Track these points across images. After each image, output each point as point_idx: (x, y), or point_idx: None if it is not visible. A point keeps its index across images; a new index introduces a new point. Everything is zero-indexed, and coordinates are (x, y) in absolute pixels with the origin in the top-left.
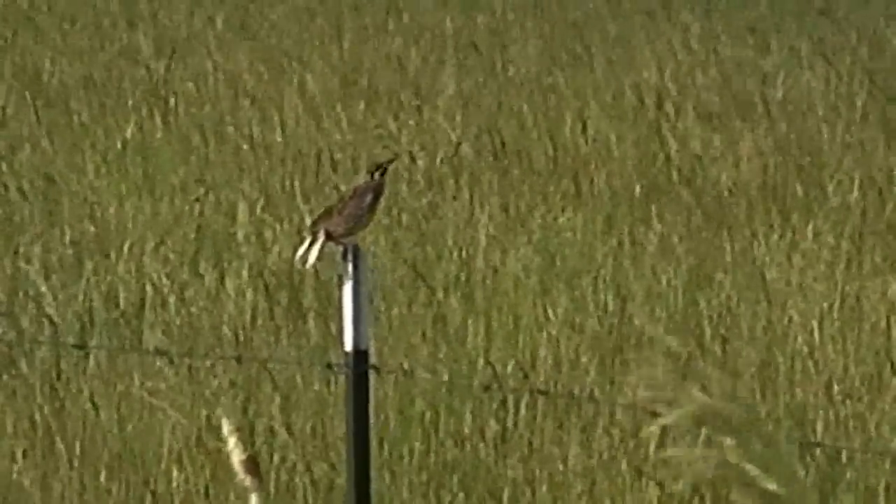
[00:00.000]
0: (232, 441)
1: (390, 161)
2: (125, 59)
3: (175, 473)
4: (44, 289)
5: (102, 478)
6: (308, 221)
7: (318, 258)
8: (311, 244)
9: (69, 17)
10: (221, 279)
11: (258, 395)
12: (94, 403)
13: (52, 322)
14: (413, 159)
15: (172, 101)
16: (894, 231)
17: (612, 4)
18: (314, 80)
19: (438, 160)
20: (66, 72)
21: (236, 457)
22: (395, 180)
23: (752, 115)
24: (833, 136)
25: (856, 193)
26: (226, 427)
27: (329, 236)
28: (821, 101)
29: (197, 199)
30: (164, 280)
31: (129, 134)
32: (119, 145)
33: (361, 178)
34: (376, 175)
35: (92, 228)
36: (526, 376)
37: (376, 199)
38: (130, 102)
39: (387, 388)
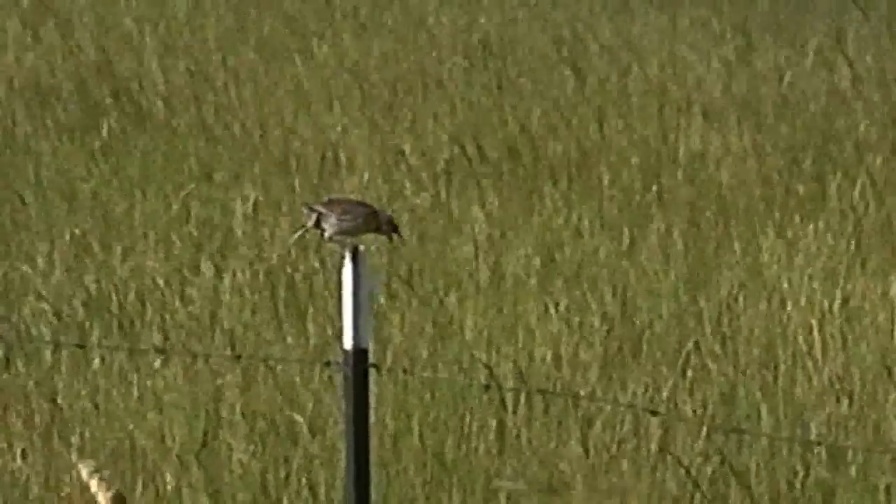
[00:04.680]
0: (94, 483)
1: (397, 233)
2: (122, 56)
3: (175, 473)
4: (46, 288)
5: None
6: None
7: (299, 239)
8: (301, 225)
9: (64, 15)
10: (221, 277)
11: (258, 394)
12: (94, 402)
13: (52, 321)
14: (403, 154)
15: (172, 98)
16: (894, 230)
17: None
18: (315, 78)
19: (440, 158)
20: (64, 70)
21: (102, 497)
22: (396, 179)
23: (753, 113)
24: (835, 134)
25: (857, 193)
26: (84, 471)
27: (318, 223)
28: (823, 99)
29: (188, 194)
30: (164, 278)
31: (126, 132)
32: (116, 144)
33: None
34: (387, 226)
35: (92, 227)
36: (525, 375)
37: (372, 221)
38: (129, 100)
39: (386, 386)
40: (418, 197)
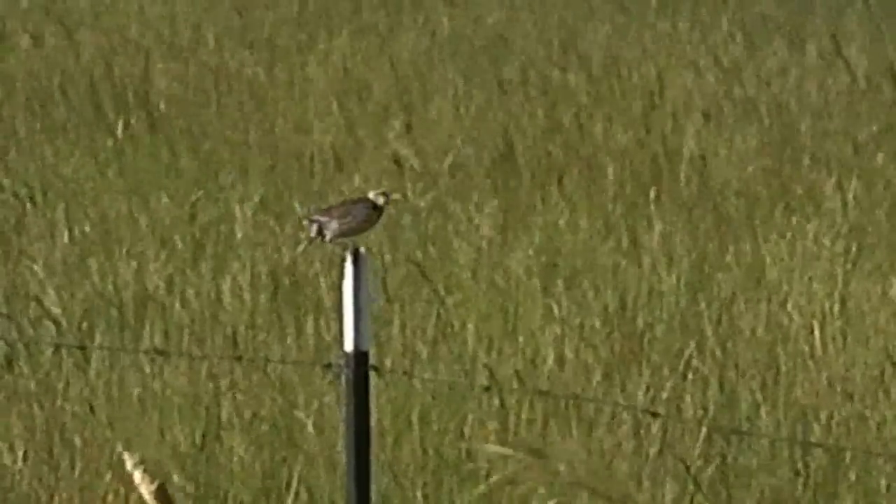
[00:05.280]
0: (138, 474)
1: (396, 196)
2: (123, 56)
3: (176, 474)
4: (47, 289)
5: (107, 478)
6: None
7: (304, 249)
8: (305, 237)
9: (64, 16)
10: (223, 278)
11: (259, 396)
12: (95, 404)
13: (53, 322)
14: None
15: (174, 100)
16: (894, 231)
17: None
18: (316, 80)
19: (441, 160)
20: (65, 71)
21: (145, 489)
22: (397, 180)
23: (753, 114)
24: (834, 135)
25: (856, 193)
26: (129, 462)
27: (320, 232)
28: (823, 99)
29: (198, 200)
30: (165, 280)
31: (127, 134)
32: (118, 146)
33: (370, 190)
34: (382, 198)
35: (93, 228)
36: (523, 378)
37: (374, 213)
38: (130, 102)
39: (387, 388)
40: (419, 198)
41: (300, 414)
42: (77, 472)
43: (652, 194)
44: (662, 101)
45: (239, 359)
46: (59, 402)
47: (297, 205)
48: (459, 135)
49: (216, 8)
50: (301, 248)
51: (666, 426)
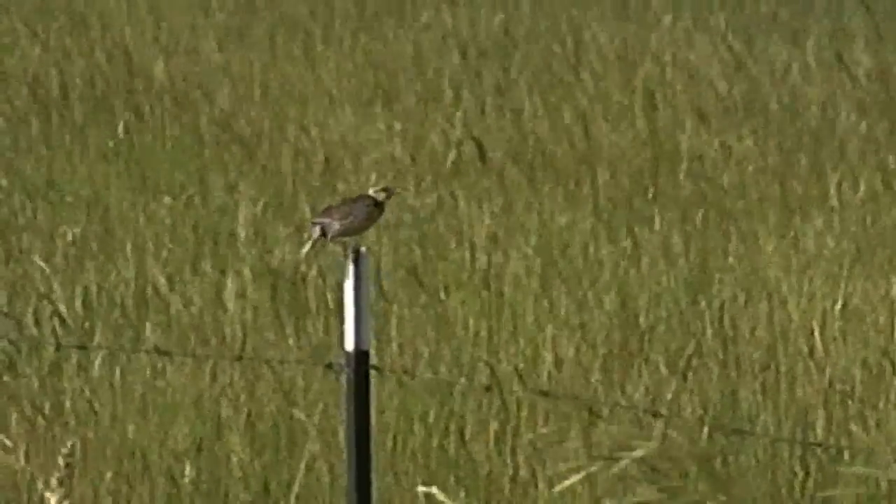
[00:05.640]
0: (54, 501)
1: (395, 189)
2: (126, 56)
3: (184, 471)
4: (48, 288)
5: (107, 477)
6: (308, 221)
7: (309, 251)
8: (308, 239)
9: (67, 15)
10: (223, 279)
11: (259, 395)
12: (96, 403)
13: (55, 321)
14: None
15: (173, 99)
16: (895, 231)
17: (614, 2)
18: (318, 80)
19: (442, 160)
20: (66, 71)
21: None
22: (398, 180)
23: (753, 114)
24: (835, 134)
25: (861, 193)
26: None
27: (323, 233)
28: (823, 98)
29: (191, 196)
30: (166, 280)
31: (128, 133)
32: (118, 145)
33: (370, 187)
34: (383, 194)
35: (93, 228)
36: (523, 379)
37: (376, 210)
38: (130, 101)
39: (388, 388)
40: (420, 198)
41: (300, 414)
42: (79, 472)
43: (650, 193)
44: (664, 100)
45: (240, 358)
46: (60, 402)
47: (300, 205)
48: (459, 135)
49: (217, 6)
50: (304, 250)
51: (666, 425)
